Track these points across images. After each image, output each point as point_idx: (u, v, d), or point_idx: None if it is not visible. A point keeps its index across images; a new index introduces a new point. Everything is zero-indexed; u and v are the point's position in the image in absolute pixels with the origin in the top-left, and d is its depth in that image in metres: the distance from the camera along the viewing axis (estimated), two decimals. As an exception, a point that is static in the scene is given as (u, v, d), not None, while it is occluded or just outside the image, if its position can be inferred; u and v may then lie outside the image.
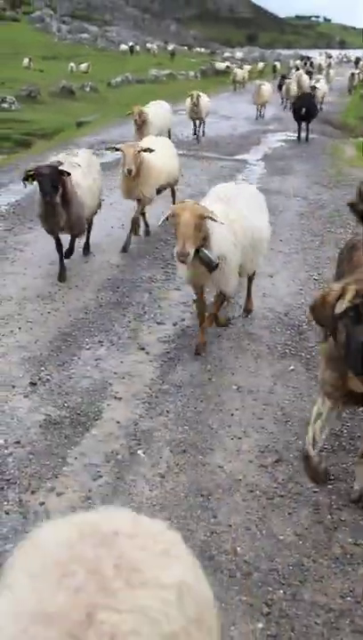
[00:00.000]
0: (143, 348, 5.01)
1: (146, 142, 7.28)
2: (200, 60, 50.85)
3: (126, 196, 7.15)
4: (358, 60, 47.03)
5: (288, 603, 2.73)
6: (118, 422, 4.04)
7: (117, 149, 6.73)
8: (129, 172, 6.59)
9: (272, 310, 5.72)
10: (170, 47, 55.50)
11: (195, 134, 15.21)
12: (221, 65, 40.21)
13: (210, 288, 4.68)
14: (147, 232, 7.64)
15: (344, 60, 68.03)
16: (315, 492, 3.41)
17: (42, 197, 5.63)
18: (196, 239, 4.09)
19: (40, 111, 19.83)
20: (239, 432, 3.96)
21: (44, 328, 5.31)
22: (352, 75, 30.17)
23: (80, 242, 6.74)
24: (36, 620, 0.72)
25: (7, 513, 3.23)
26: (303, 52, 79.81)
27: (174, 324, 5.43)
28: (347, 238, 7.77)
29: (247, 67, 38.19)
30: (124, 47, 48.56)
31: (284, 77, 24.71)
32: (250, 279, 5.49)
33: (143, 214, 7.51)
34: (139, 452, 3.74)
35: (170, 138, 10.82)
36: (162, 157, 7.21)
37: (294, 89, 21.42)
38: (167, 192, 8.00)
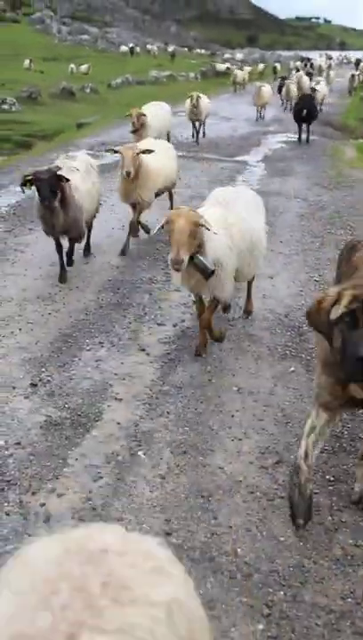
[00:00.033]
0: (144, 350, 5.01)
1: (145, 145, 7.22)
2: (200, 61, 50.89)
3: (124, 199, 7.09)
4: (358, 62, 47.01)
5: (289, 604, 2.73)
6: (119, 423, 4.04)
7: (116, 152, 6.69)
8: (128, 174, 6.54)
9: (273, 312, 5.72)
10: (170, 48, 55.55)
11: (194, 135, 15.13)
12: (221, 66, 40.26)
13: (205, 294, 4.61)
14: (147, 231, 7.48)
15: (345, 61, 68.14)
16: (316, 493, 3.41)
17: (40, 203, 5.60)
18: (190, 246, 4.05)
19: (40, 112, 19.86)
20: (240, 433, 3.96)
21: (44, 329, 5.32)
22: (352, 76, 30.19)
23: (80, 245, 6.74)
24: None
25: (8, 514, 3.23)
26: (304, 54, 79.95)
27: (175, 326, 5.43)
28: (347, 240, 7.79)
29: (248, 68, 38.25)
30: (124, 48, 48.61)
31: (284, 79, 24.70)
32: (249, 282, 5.47)
33: (138, 221, 7.34)
34: (139, 453, 3.74)
35: (169, 140, 10.65)
36: (161, 160, 7.16)
37: (294, 90, 21.45)
38: (165, 195, 7.93)
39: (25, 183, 5.59)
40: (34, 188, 5.59)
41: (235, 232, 4.54)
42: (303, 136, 15.00)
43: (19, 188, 5.84)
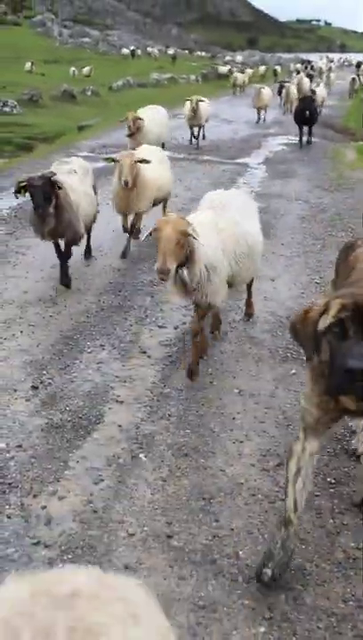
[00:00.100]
0: (145, 352, 5.01)
1: (141, 153, 7.03)
2: (201, 63, 50.98)
3: (121, 209, 6.93)
4: (359, 64, 47.04)
5: (290, 607, 2.72)
6: (120, 426, 4.04)
7: (114, 160, 6.57)
8: (126, 183, 6.38)
9: (274, 314, 5.72)
10: (171, 51, 55.70)
11: (192, 141, 14.88)
12: (223, 69, 40.31)
13: (198, 300, 4.39)
14: (136, 236, 7.28)
15: (345, 63, 68.23)
16: (317, 495, 3.41)
17: (34, 210, 5.49)
18: (177, 255, 3.90)
19: (41, 115, 19.88)
20: (241, 436, 3.96)
21: (45, 332, 5.32)
22: (353, 79, 30.21)
23: (79, 248, 6.74)
24: None
25: (9, 517, 3.23)
26: (304, 56, 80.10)
27: (176, 328, 5.43)
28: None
29: (249, 70, 38.33)
30: (125, 51, 48.70)
31: (283, 83, 24.62)
32: (249, 284, 5.41)
33: (133, 224, 7.24)
34: (140, 455, 3.74)
35: (164, 147, 10.35)
36: (157, 169, 7.00)
37: (294, 92, 21.47)
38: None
39: (19, 190, 5.46)
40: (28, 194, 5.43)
41: (227, 236, 4.42)
42: (304, 139, 15.00)
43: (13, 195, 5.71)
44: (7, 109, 19.46)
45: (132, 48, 49.58)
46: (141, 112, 10.70)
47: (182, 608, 2.70)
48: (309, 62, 54.45)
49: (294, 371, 4.77)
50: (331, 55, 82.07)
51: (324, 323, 2.36)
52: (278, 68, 41.23)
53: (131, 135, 10.29)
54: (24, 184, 5.41)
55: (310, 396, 2.66)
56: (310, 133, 15.01)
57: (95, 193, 6.74)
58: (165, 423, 4.08)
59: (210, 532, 3.14)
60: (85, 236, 6.71)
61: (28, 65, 32.02)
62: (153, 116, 11.09)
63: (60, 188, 5.49)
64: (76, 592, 0.76)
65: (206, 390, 4.49)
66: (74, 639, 0.71)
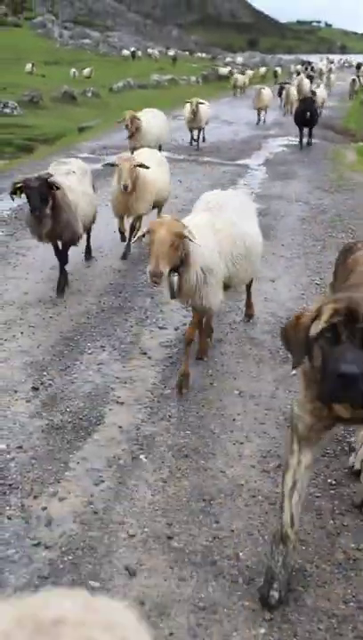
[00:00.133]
0: (145, 353, 5.02)
1: (140, 156, 6.99)
2: (202, 65, 51.03)
3: (120, 213, 6.86)
4: (359, 65, 47.10)
5: (291, 608, 2.72)
6: (120, 427, 4.04)
7: (113, 165, 6.49)
8: (125, 187, 6.30)
9: (274, 315, 5.72)
10: (171, 52, 55.76)
11: (192, 143, 14.83)
12: (224, 70, 40.35)
13: (194, 303, 4.30)
14: (123, 239, 7.22)
15: (346, 64, 68.31)
16: (317, 496, 3.41)
17: (30, 212, 5.41)
18: (171, 258, 3.79)
19: (42, 116, 19.90)
20: (241, 437, 3.96)
21: (46, 333, 5.32)
22: (353, 80, 30.24)
23: (79, 250, 6.74)
24: None
25: (9, 518, 3.23)
26: (304, 57, 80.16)
27: (176, 329, 5.43)
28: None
29: (250, 72, 38.37)
30: (125, 52, 48.76)
31: (283, 84, 24.57)
32: (248, 285, 5.37)
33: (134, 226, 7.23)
34: (141, 456, 3.74)
35: (160, 149, 10.26)
36: (155, 173, 6.92)
37: (294, 93, 21.49)
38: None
39: (15, 191, 5.37)
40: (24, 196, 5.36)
41: (223, 238, 4.35)
42: (304, 140, 14.99)
43: (9, 197, 5.62)
44: (8, 111, 19.49)
45: (132, 49, 49.63)
46: (140, 115, 10.66)
47: (183, 609, 2.70)
48: (309, 63, 54.50)
49: (294, 372, 4.77)
50: (331, 56, 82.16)
51: (316, 328, 2.32)
52: (279, 70, 41.26)
53: (131, 136, 10.28)
54: (20, 185, 5.34)
55: (302, 403, 2.62)
56: (310, 135, 15.03)
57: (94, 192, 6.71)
58: (165, 424, 4.08)
59: (210, 534, 3.14)
60: (85, 237, 6.71)
61: (28, 66, 32.06)
62: (151, 119, 11.01)
63: (57, 188, 5.42)
64: (62, 619, 0.73)
65: (207, 391, 4.49)
66: None
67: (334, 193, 10.44)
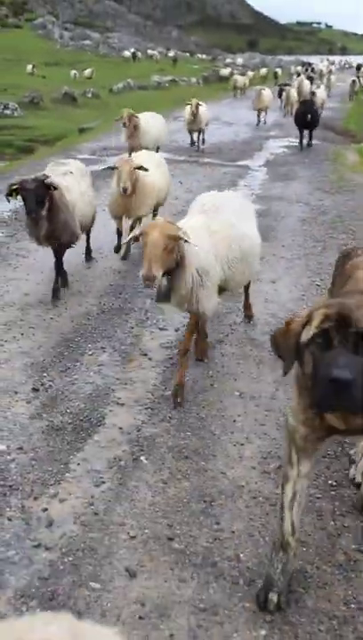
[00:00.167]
0: (146, 354, 5.01)
1: (139, 158, 6.91)
2: (202, 66, 51.12)
3: (119, 215, 6.80)
4: (359, 67, 47.10)
5: (291, 610, 2.72)
6: (121, 428, 4.04)
7: (113, 168, 6.48)
8: (125, 190, 6.26)
9: (275, 316, 5.72)
10: (171, 53, 55.81)
11: (193, 145, 14.76)
12: (225, 71, 40.38)
13: (188, 307, 4.21)
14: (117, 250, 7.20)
15: (346, 66, 68.36)
16: (318, 497, 3.41)
17: (26, 214, 5.33)
18: (165, 261, 3.70)
19: (42, 117, 19.92)
20: (242, 438, 3.96)
21: (46, 334, 5.32)
22: (353, 81, 30.25)
23: (79, 251, 6.73)
24: None
25: (10, 519, 3.22)
26: (305, 58, 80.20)
27: (176, 330, 5.43)
28: (349, 244, 7.80)
29: (251, 73, 38.41)
30: (126, 53, 48.80)
31: (283, 86, 24.54)
32: (246, 287, 5.32)
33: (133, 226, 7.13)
34: (141, 458, 3.74)
35: (157, 151, 10.17)
36: (154, 175, 6.86)
37: (294, 95, 21.51)
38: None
39: (11, 193, 5.28)
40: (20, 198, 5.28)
41: (219, 240, 4.27)
42: (304, 141, 14.99)
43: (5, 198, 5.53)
44: (8, 112, 19.51)
45: (132, 50, 49.66)
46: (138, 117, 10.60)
47: (183, 611, 2.70)
48: (309, 64, 54.49)
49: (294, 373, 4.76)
50: (332, 57, 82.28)
51: (307, 334, 2.28)
52: (279, 71, 41.28)
53: (129, 137, 10.15)
54: (16, 187, 5.25)
55: (296, 412, 2.58)
56: (310, 136, 15.01)
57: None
58: (165, 426, 4.08)
59: (211, 535, 3.14)
60: (85, 237, 6.69)
61: (29, 67, 32.12)
62: (150, 119, 10.96)
63: (54, 188, 5.35)
64: None
65: (207, 393, 4.49)
66: None
67: (335, 194, 10.44)
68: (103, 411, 4.24)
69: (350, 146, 16.09)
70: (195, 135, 14.70)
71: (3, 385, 4.51)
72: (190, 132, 14.51)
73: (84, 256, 6.99)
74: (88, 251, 7.01)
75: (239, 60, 60.06)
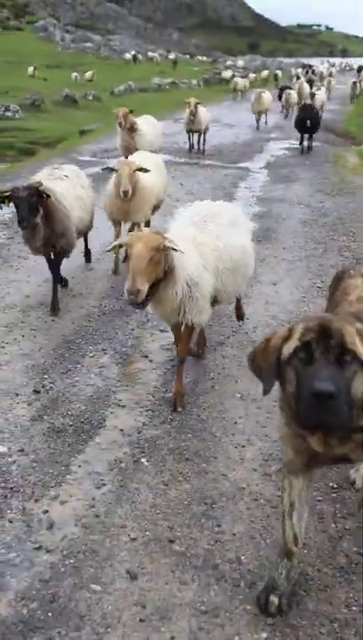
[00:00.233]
0: (146, 356, 5.01)
1: (138, 158, 6.80)
2: (202, 68, 51.20)
3: (118, 219, 6.60)
4: (360, 69, 47.23)
5: (293, 612, 2.71)
6: (122, 430, 4.04)
7: (112, 169, 6.27)
8: (125, 193, 6.08)
9: (275, 318, 5.72)
10: (172, 56, 55.91)
11: (191, 149, 14.49)
12: (226, 73, 40.44)
13: (180, 319, 4.11)
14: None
15: (347, 68, 68.47)
16: (319, 500, 3.40)
17: (18, 223, 5.11)
18: (150, 274, 3.58)
19: (44, 120, 19.97)
20: (243, 440, 3.95)
21: (47, 336, 5.33)
22: (354, 83, 30.27)
23: (79, 252, 6.73)
24: None
25: (10, 521, 3.22)
26: (305, 61, 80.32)
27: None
28: (350, 246, 7.80)
29: (252, 75, 38.47)
30: (127, 56, 48.89)
31: (282, 88, 24.52)
32: (238, 298, 5.22)
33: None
34: (142, 460, 3.74)
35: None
36: (153, 176, 6.67)
37: (294, 97, 21.55)
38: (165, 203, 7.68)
39: (3, 200, 5.11)
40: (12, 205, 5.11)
41: (208, 251, 4.15)
42: (305, 143, 14.96)
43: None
44: (9, 114, 19.57)
45: (133, 53, 49.76)
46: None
47: (184, 613, 2.69)
48: (310, 67, 54.60)
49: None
50: (332, 60, 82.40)
51: (288, 349, 2.22)
52: (279, 73, 41.34)
53: (131, 130, 9.97)
54: (8, 194, 5.08)
55: (284, 437, 2.55)
56: (310, 139, 14.97)
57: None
58: (166, 427, 4.08)
59: (212, 537, 3.13)
60: (82, 240, 6.61)
61: (30, 70, 32.20)
62: (145, 123, 10.73)
63: (47, 196, 5.16)
64: None
65: (208, 394, 4.49)
66: None
67: (336, 196, 10.45)
68: (104, 413, 4.23)
69: (350, 148, 16.11)
70: (194, 138, 14.52)
71: (4, 387, 4.51)
72: (189, 133, 14.30)
73: (84, 257, 6.98)
74: (87, 251, 6.98)
75: (240, 63, 60.18)
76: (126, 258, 3.68)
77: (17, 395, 4.42)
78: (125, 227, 6.93)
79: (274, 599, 2.68)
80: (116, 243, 3.84)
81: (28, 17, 62.30)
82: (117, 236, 6.65)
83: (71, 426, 4.07)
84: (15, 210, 5.12)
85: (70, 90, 25.34)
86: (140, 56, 50.00)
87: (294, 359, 2.20)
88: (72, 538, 3.11)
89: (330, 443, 2.31)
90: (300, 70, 46.39)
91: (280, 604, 2.68)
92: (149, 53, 54.87)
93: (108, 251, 3.97)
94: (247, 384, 4.62)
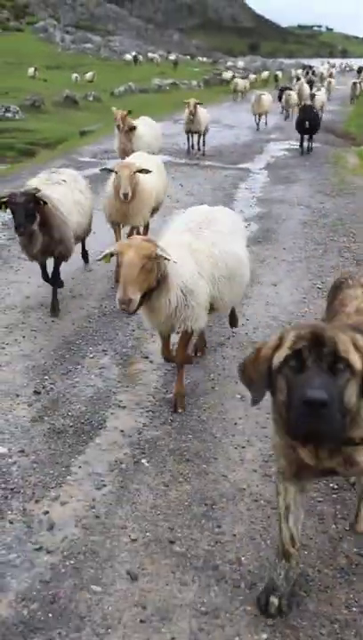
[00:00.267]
0: (147, 357, 5.02)
1: (136, 159, 6.73)
2: (203, 69, 51.22)
3: (117, 221, 6.51)
4: (360, 70, 47.29)
5: (293, 613, 2.71)
6: (122, 431, 4.04)
7: (111, 170, 6.18)
8: (125, 196, 5.98)
9: (276, 319, 5.72)
10: (172, 57, 55.95)
11: (190, 151, 14.41)
12: (227, 74, 40.47)
13: (176, 328, 4.06)
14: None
15: (347, 69, 68.51)
16: (320, 501, 3.41)
17: (15, 229, 5.07)
18: (142, 283, 3.51)
19: (44, 120, 19.98)
20: (243, 441, 3.96)
21: (47, 337, 5.33)
22: (354, 84, 30.27)
23: (78, 253, 6.72)
24: None
25: (11, 522, 3.22)
26: (305, 61, 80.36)
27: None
28: (350, 247, 7.81)
29: (253, 76, 38.48)
30: (127, 57, 48.91)
31: (283, 89, 24.52)
32: (233, 309, 5.09)
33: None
34: (143, 460, 3.74)
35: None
36: (153, 178, 6.56)
37: (294, 98, 21.56)
38: (163, 205, 7.58)
39: (0, 205, 5.06)
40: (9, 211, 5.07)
41: (204, 258, 4.06)
42: (305, 144, 14.96)
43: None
44: (10, 115, 19.58)
45: (133, 54, 49.78)
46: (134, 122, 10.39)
47: (184, 614, 2.70)
48: (310, 67, 54.63)
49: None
50: (332, 60, 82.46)
51: (279, 357, 2.17)
52: (279, 74, 41.37)
53: (123, 139, 9.95)
54: (4, 200, 5.02)
55: (276, 447, 2.53)
56: (310, 139, 14.97)
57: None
58: (167, 428, 4.08)
59: (212, 538, 3.14)
60: (73, 251, 6.51)
61: (31, 70, 32.23)
62: (143, 124, 10.71)
63: (44, 203, 5.11)
64: None
65: (208, 396, 4.49)
66: None
67: (336, 197, 10.45)
68: (104, 413, 4.24)
69: (350, 149, 16.11)
70: (194, 139, 14.49)
71: (4, 388, 4.52)
72: (188, 133, 14.24)
73: (81, 257, 6.95)
74: (85, 253, 6.94)
75: (240, 64, 60.19)
76: (118, 266, 3.62)
77: (17, 395, 4.42)
78: (124, 230, 6.92)
79: (274, 600, 2.68)
80: (107, 251, 3.77)
81: (28, 18, 62.33)
82: (117, 240, 6.56)
83: (72, 427, 4.08)
84: (12, 216, 5.07)
85: (71, 91, 25.35)
86: (140, 57, 50.02)
87: (284, 368, 2.15)
88: (72, 539, 3.12)
89: (320, 455, 2.27)
90: (300, 71, 46.39)
91: (280, 604, 2.68)
92: (150, 54, 54.91)
93: (100, 260, 3.87)
94: (248, 385, 4.62)
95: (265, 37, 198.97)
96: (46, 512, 3.29)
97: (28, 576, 2.89)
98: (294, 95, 21.87)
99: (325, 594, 2.82)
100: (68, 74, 34.20)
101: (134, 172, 6.05)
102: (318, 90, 24.36)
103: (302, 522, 2.69)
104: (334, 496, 3.46)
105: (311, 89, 24.86)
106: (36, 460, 3.72)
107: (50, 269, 5.83)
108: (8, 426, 4.07)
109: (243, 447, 3.89)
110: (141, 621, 2.65)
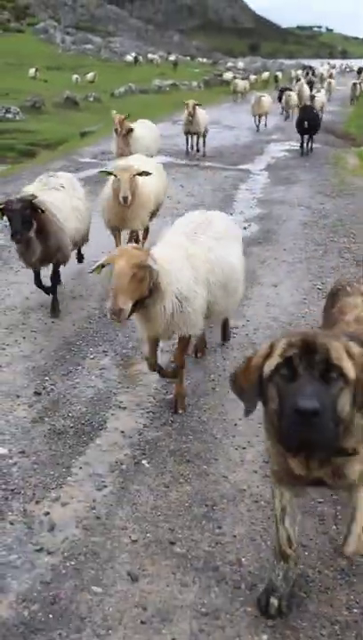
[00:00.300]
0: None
1: (135, 161, 6.68)
2: (203, 70, 51.22)
3: (116, 225, 6.45)
4: (360, 70, 47.28)
5: (293, 614, 2.71)
6: (123, 432, 4.04)
7: (110, 173, 6.14)
8: (125, 199, 5.93)
9: (276, 320, 5.72)
10: (173, 57, 55.95)
11: (188, 152, 14.31)
12: (227, 75, 40.47)
13: (174, 334, 4.05)
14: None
15: (347, 69, 68.52)
16: (320, 502, 3.41)
17: (11, 236, 4.99)
18: (134, 292, 3.47)
19: (44, 121, 19.98)
20: (243, 442, 3.96)
21: (48, 338, 5.33)
22: (354, 84, 30.27)
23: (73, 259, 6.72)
24: None
25: (12, 523, 3.22)
26: (306, 62, 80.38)
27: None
28: (350, 247, 7.81)
29: (252, 76, 38.48)
30: (128, 58, 48.93)
31: (282, 90, 24.52)
32: (225, 321, 5.06)
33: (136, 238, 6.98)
34: (143, 461, 3.74)
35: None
36: (153, 181, 6.52)
37: (294, 99, 21.57)
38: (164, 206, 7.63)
39: None
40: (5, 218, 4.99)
41: (199, 264, 4.00)
42: (305, 145, 14.95)
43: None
44: (10, 116, 19.58)
45: (134, 55, 49.80)
46: (133, 125, 10.30)
47: (185, 615, 2.70)
48: (310, 68, 54.65)
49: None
50: (332, 61, 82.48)
51: (270, 365, 2.13)
52: (279, 74, 41.38)
53: (126, 134, 9.93)
54: (1, 207, 4.95)
55: (270, 452, 2.51)
56: (310, 140, 14.97)
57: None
58: (167, 429, 4.08)
59: (213, 539, 3.14)
60: (70, 257, 6.37)
61: (31, 71, 32.24)
62: (142, 127, 10.68)
63: (42, 211, 5.04)
64: None
65: (209, 396, 4.49)
66: None
67: (336, 197, 10.46)
68: (105, 414, 4.24)
69: (350, 149, 16.11)
70: (193, 140, 14.44)
71: (5, 389, 4.52)
72: (187, 134, 14.18)
73: (76, 259, 6.90)
74: (80, 255, 6.84)
75: (240, 64, 60.20)
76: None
77: (18, 396, 4.43)
78: (124, 235, 6.89)
79: (274, 601, 2.68)
80: (98, 263, 3.75)
81: (28, 19, 62.31)
82: (117, 245, 6.51)
83: (72, 427, 4.08)
84: (8, 223, 5.00)
85: (71, 92, 25.35)
86: (140, 58, 50.05)
87: (276, 376, 2.11)
88: (73, 540, 3.12)
89: (310, 465, 2.24)
90: (300, 72, 46.39)
91: (281, 605, 2.68)
92: (150, 55, 54.90)
93: (92, 272, 3.83)
94: (248, 386, 4.61)
95: (265, 38, 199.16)
96: (47, 513, 3.29)
97: (28, 577, 2.89)
98: (294, 96, 21.89)
99: (325, 595, 2.82)
100: (69, 75, 34.24)
101: (134, 176, 6.01)
102: (318, 91, 24.38)
103: (298, 523, 2.69)
104: (335, 497, 3.45)
105: (311, 90, 24.88)
106: (37, 461, 3.72)
107: (44, 276, 5.77)
108: (8, 427, 4.07)
109: (243, 448, 3.89)
110: (142, 622, 2.65)
